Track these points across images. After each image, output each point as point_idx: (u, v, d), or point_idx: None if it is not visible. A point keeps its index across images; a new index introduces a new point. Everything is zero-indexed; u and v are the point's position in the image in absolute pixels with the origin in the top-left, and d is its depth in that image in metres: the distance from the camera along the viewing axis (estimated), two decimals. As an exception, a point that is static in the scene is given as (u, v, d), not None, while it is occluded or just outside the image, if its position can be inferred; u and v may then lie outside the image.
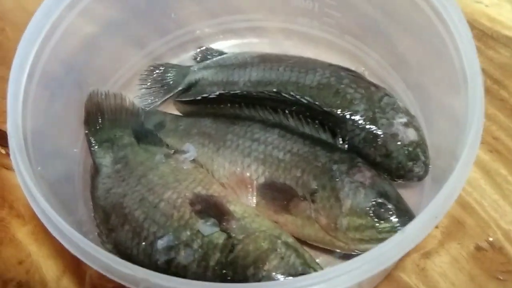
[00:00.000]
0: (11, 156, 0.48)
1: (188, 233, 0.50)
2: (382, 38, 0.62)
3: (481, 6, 0.73)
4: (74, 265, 0.60)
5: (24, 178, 0.46)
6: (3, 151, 0.67)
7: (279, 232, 0.51)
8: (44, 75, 0.54)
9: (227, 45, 0.72)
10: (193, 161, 0.58)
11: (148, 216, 0.52)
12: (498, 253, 0.57)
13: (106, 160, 0.59)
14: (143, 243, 0.51)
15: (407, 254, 0.58)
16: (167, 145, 0.61)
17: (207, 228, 0.50)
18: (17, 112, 0.50)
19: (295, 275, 0.47)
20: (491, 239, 0.58)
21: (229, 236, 0.50)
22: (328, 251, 0.56)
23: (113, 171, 0.58)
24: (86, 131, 0.60)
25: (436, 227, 0.59)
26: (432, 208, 0.41)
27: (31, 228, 0.62)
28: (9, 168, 0.66)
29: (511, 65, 0.68)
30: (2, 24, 0.76)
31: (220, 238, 0.50)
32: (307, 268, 0.48)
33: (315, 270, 0.48)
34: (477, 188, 0.61)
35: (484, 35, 0.71)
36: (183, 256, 0.50)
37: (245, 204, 0.54)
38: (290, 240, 0.51)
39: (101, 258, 0.40)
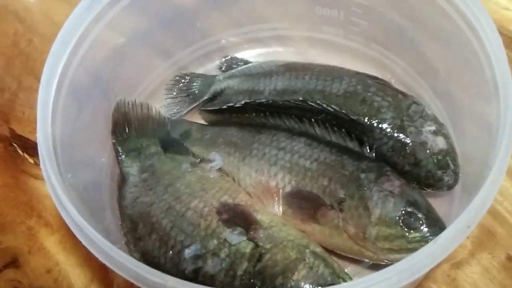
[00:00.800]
0: (41, 165, 0.48)
1: (215, 242, 0.50)
2: (408, 46, 0.62)
3: (509, 13, 0.72)
4: (102, 274, 0.60)
5: (54, 186, 0.46)
6: (31, 161, 0.68)
7: (307, 242, 0.51)
8: (72, 85, 0.55)
9: (252, 54, 0.72)
10: (219, 170, 0.58)
11: (175, 225, 0.52)
12: (530, 263, 0.57)
13: (133, 169, 0.59)
14: (171, 252, 0.51)
15: (437, 265, 0.56)
16: (193, 154, 0.61)
17: (234, 237, 0.50)
18: (47, 122, 0.50)
19: (324, 285, 0.47)
20: (522, 249, 0.57)
21: (257, 245, 0.50)
22: (357, 261, 0.55)
23: (140, 180, 0.58)
24: (113, 141, 0.61)
25: (467, 237, 0.58)
26: (464, 217, 0.40)
27: (59, 237, 0.63)
28: (37, 177, 0.67)
29: (540, 72, 0.67)
30: (30, 36, 0.77)
31: (247, 247, 0.50)
32: (336, 278, 0.48)
33: (344, 280, 0.48)
34: (508, 197, 0.60)
35: (512, 42, 0.70)
36: (211, 265, 0.49)
37: (272, 213, 0.54)
38: (318, 249, 0.51)
39: (130, 267, 0.41)
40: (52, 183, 0.46)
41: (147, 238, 0.54)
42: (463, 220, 0.40)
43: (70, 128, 0.54)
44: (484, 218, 0.58)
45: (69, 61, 0.54)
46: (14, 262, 0.62)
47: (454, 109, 0.58)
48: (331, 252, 0.54)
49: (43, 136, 0.49)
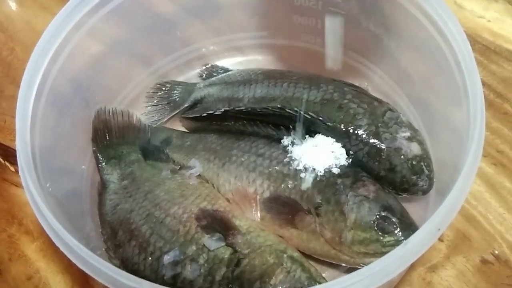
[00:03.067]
0: (20, 173, 0.48)
1: (194, 248, 0.51)
2: (384, 54, 0.63)
3: (484, 21, 0.74)
4: (81, 281, 0.60)
5: (33, 194, 0.46)
6: (12, 169, 0.68)
7: (284, 247, 0.52)
8: (52, 93, 0.55)
9: (232, 62, 0.73)
10: (199, 176, 0.59)
11: (154, 231, 0.53)
12: (504, 266, 0.57)
13: (113, 176, 0.59)
14: (150, 258, 0.52)
15: (413, 268, 0.58)
16: (174, 161, 0.62)
17: (212, 242, 0.51)
18: (26, 130, 0.51)
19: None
20: (496, 252, 0.58)
21: (235, 251, 0.50)
22: (334, 265, 0.56)
23: (120, 187, 0.58)
24: (94, 148, 0.61)
25: (442, 240, 0.59)
26: (434, 220, 0.41)
27: (40, 245, 0.63)
28: (18, 185, 0.67)
29: (514, 79, 0.69)
30: (12, 45, 0.77)
31: (225, 253, 0.50)
32: (313, 281, 0.49)
33: (320, 284, 0.49)
34: (482, 202, 0.61)
35: (487, 50, 0.71)
36: (189, 271, 0.50)
37: (250, 219, 0.55)
38: (296, 254, 0.52)
39: (107, 272, 0.41)
40: (31, 190, 0.47)
41: (126, 245, 0.54)
42: (433, 223, 0.41)
43: (50, 136, 0.55)
44: (458, 222, 0.60)
45: (48, 69, 0.55)
46: (-5, 270, 0.62)
47: (428, 116, 0.59)
48: (309, 256, 0.54)
49: (21, 144, 0.49)
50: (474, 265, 0.58)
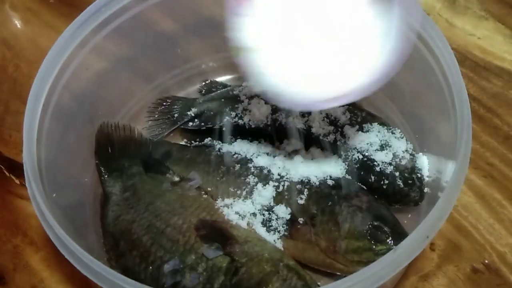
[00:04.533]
0: (27, 184, 0.50)
1: (193, 257, 0.52)
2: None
3: (474, 39, 0.76)
4: (84, 290, 0.62)
5: (39, 204, 0.48)
6: (17, 181, 0.70)
7: (280, 255, 0.53)
8: (57, 108, 0.57)
9: (231, 78, 0.75)
10: (198, 188, 0.61)
11: (155, 241, 0.55)
12: (494, 275, 0.59)
13: (115, 188, 0.61)
14: (150, 268, 0.54)
15: (406, 277, 0.59)
16: (174, 174, 0.64)
17: (211, 252, 0.52)
18: (32, 143, 0.52)
19: None
20: (487, 261, 0.60)
21: (233, 260, 0.52)
22: (329, 274, 0.57)
23: (122, 199, 0.60)
24: (97, 161, 0.63)
25: (433, 250, 0.61)
26: (423, 227, 0.43)
27: (44, 255, 0.64)
28: (23, 197, 0.69)
29: (503, 94, 0.71)
30: (18, 61, 0.79)
31: (224, 262, 0.52)
32: None
33: None
34: (473, 212, 0.63)
35: (477, 66, 0.73)
36: (189, 280, 0.52)
37: (248, 229, 0.57)
38: (292, 262, 0.53)
39: (111, 279, 0.43)
40: (37, 201, 0.48)
41: (128, 255, 0.56)
42: (421, 230, 0.43)
43: (55, 149, 0.57)
44: (449, 232, 0.61)
45: (54, 85, 0.56)
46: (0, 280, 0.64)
47: (420, 129, 0.61)
48: (304, 266, 0.56)
49: (28, 157, 0.51)
50: (465, 274, 0.59)
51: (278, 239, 0.56)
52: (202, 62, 0.74)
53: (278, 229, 0.56)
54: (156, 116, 0.71)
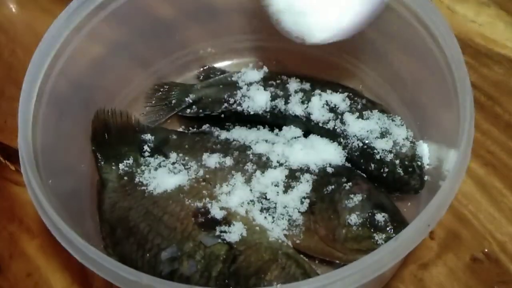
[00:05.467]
0: (22, 171, 0.49)
1: (191, 244, 0.52)
2: (378, 57, 0.64)
3: (475, 26, 0.75)
4: (81, 278, 0.61)
5: (35, 190, 0.47)
6: (12, 168, 0.70)
7: (279, 244, 0.53)
8: (53, 94, 0.56)
9: (229, 64, 0.74)
10: (197, 175, 0.60)
11: (152, 228, 0.54)
12: (494, 264, 0.59)
13: (112, 175, 0.60)
14: (148, 255, 0.53)
15: (405, 265, 0.59)
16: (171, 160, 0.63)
17: (209, 239, 0.52)
18: (28, 129, 0.52)
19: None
20: (486, 250, 0.60)
21: (231, 247, 0.52)
22: (328, 263, 0.57)
23: (118, 186, 0.59)
24: (93, 148, 0.62)
25: (433, 239, 0.60)
26: (424, 216, 0.42)
27: (40, 242, 0.64)
28: (18, 184, 0.68)
29: (504, 82, 0.70)
30: (13, 46, 0.78)
31: (222, 249, 0.52)
32: (307, 277, 0.50)
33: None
34: (473, 201, 0.63)
35: (479, 53, 0.73)
36: (186, 267, 0.51)
37: (246, 217, 0.56)
38: (291, 251, 0.53)
39: (107, 266, 0.42)
40: (33, 187, 0.48)
41: (125, 242, 0.55)
42: (423, 218, 0.42)
43: (51, 136, 0.56)
44: (449, 220, 0.61)
45: (49, 70, 0.56)
46: (-5, 267, 0.63)
47: (421, 117, 0.61)
48: (303, 254, 0.56)
49: (24, 143, 0.51)
50: (465, 263, 0.59)
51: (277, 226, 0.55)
52: (200, 47, 0.73)
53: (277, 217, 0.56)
54: (153, 102, 0.70)
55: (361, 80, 0.68)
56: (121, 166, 0.61)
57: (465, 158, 0.45)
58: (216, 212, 0.55)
